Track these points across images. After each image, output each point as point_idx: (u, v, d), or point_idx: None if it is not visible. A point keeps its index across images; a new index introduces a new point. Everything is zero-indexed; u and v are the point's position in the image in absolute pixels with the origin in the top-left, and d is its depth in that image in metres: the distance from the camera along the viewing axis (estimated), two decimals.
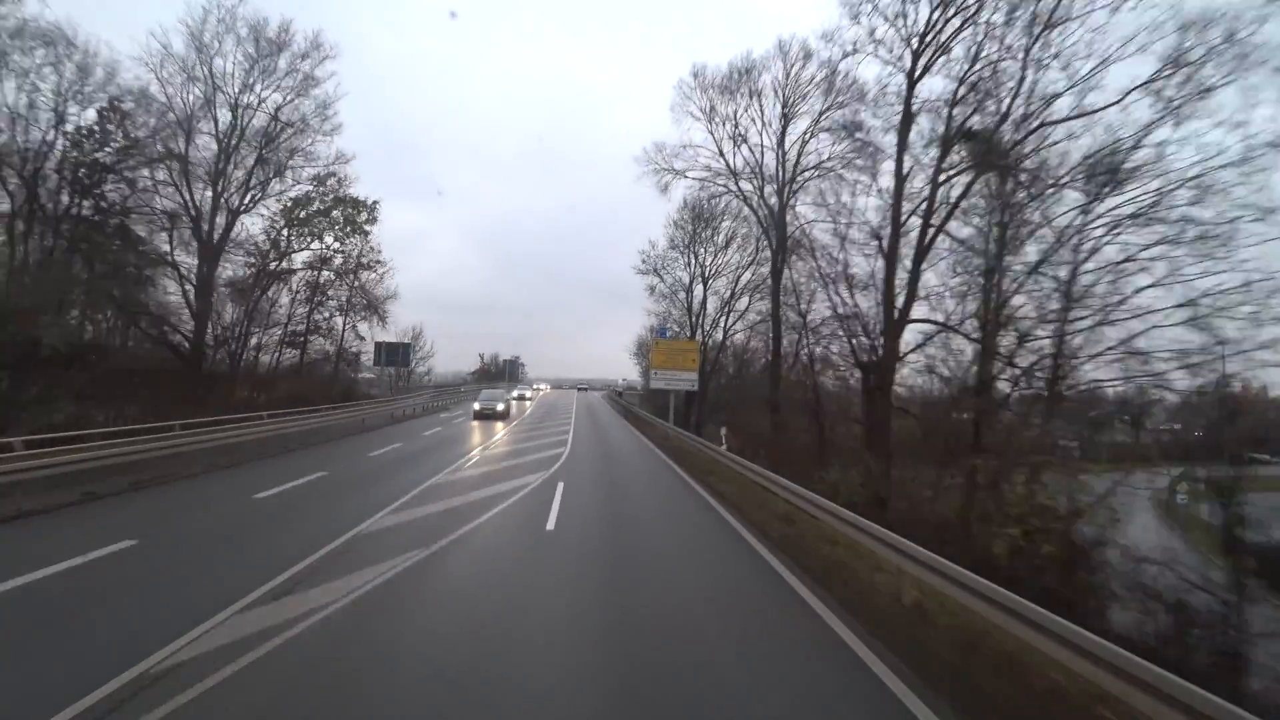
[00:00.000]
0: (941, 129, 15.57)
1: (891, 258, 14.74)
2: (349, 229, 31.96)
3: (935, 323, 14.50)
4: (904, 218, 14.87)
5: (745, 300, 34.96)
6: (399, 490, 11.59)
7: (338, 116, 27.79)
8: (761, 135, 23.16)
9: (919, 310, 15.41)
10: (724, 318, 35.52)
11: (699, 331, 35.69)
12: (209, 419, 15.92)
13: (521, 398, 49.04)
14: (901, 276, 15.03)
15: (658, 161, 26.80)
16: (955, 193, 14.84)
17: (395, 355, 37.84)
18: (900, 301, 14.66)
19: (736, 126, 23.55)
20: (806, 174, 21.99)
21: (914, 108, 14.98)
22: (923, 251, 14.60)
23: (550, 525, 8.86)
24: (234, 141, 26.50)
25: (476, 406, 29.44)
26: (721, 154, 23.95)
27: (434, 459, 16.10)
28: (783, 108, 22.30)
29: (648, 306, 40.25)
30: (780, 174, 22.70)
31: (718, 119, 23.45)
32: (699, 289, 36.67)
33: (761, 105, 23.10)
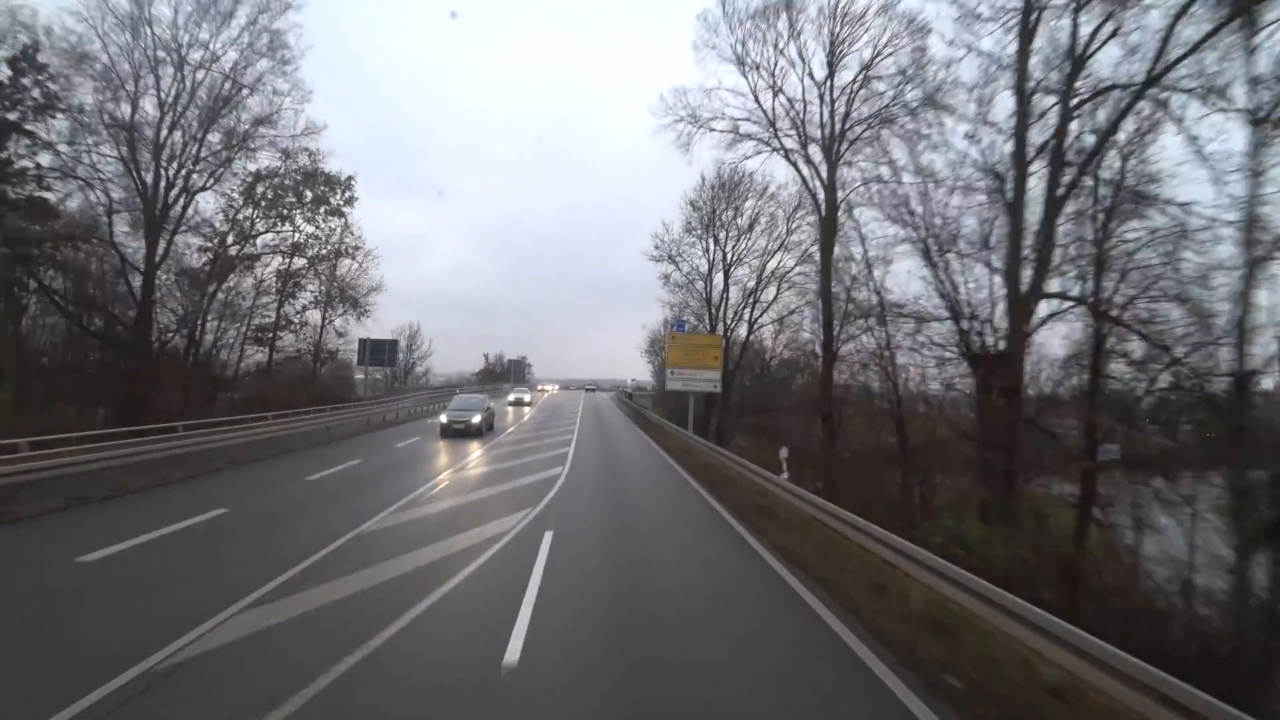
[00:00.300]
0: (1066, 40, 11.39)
1: (1017, 212, 10.57)
2: (322, 210, 28.14)
3: (1076, 299, 10.32)
4: (1030, 156, 10.72)
5: (772, 290, 30.85)
6: (301, 549, 7.57)
7: (299, 73, 23.89)
8: (803, 82, 19.04)
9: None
10: (748, 310, 31.37)
11: (720, 326, 31.56)
12: (82, 434, 12.08)
13: (519, 402, 40.87)
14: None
15: (679, 110, 22.41)
16: (1102, 117, 10.64)
17: (381, 353, 33.99)
18: (1027, 274, 10.50)
19: (773, 74, 19.40)
20: (862, 126, 17.83)
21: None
22: (1056, 204, 10.43)
23: (512, 655, 4.75)
24: (182, 103, 22.74)
25: (443, 420, 21.37)
26: (756, 99, 19.70)
27: (388, 486, 12.10)
28: (831, 43, 18.16)
29: (662, 296, 35.90)
30: (829, 125, 18.54)
31: (749, 62, 19.31)
32: (719, 278, 32.55)
33: (802, 46, 18.95)
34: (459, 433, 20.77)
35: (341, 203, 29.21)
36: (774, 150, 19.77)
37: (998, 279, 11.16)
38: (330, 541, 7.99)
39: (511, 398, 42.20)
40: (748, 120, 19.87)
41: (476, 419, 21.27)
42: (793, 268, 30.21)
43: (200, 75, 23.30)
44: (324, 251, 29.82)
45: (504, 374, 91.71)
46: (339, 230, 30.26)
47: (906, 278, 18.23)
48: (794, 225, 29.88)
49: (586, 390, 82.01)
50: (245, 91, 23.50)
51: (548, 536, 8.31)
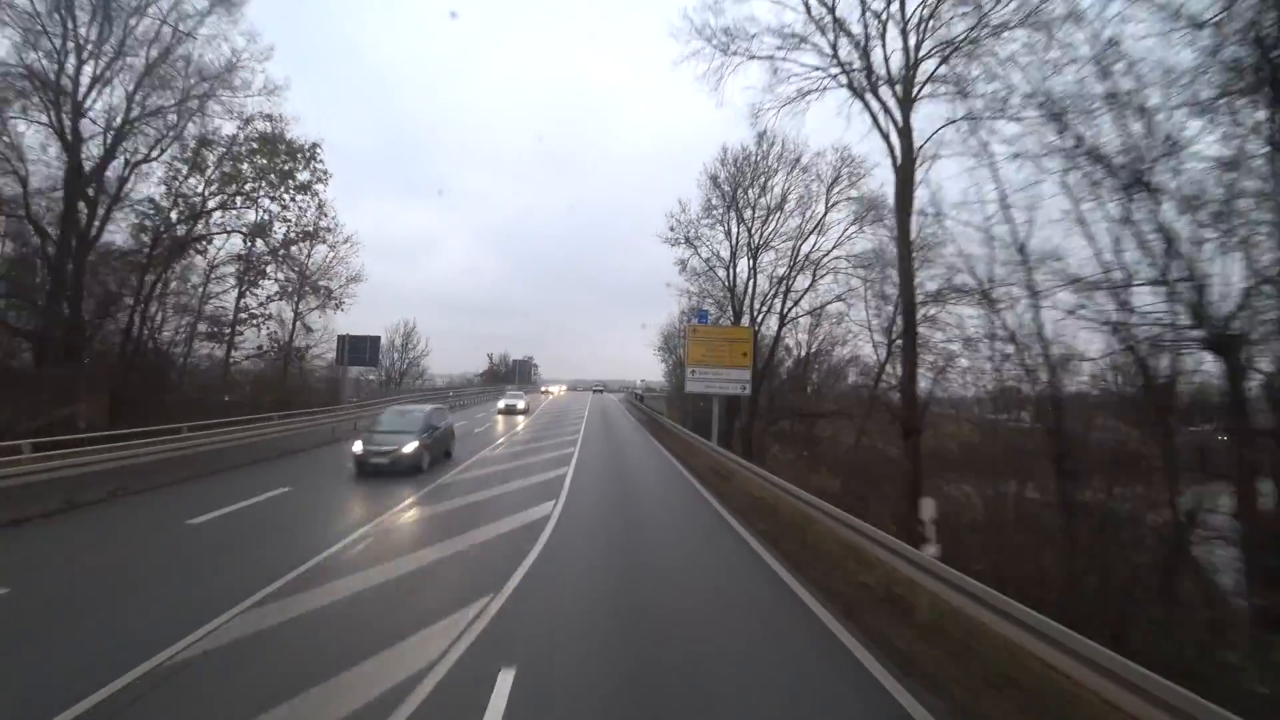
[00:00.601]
0: None
1: None
2: (288, 185, 24.26)
3: None
4: None
5: (805, 278, 26.68)
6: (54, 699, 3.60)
7: (248, 7, 20.05)
8: (865, 2, 14.80)
9: None
10: (779, 300, 27.15)
11: (746, 317, 27.37)
12: None
13: (512, 410, 32.45)
14: None
15: (707, 32, 17.33)
16: None
17: (362, 351, 30.18)
18: None
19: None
20: (950, 49, 13.60)
21: None
22: None
23: None
24: (108, 52, 18.99)
25: (356, 450, 13.48)
26: (808, 8, 15.06)
27: (284, 541, 8.12)
28: None
29: (678, 283, 31.33)
30: (903, 47, 14.23)
31: None
32: (743, 264, 28.36)
33: None
34: (380, 471, 12.79)
35: (312, 179, 25.35)
36: (834, 81, 14.92)
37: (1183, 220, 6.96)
38: (74, 700, 4.01)
39: (502, 404, 33.90)
40: (798, 39, 15.28)
41: (410, 448, 13.13)
42: (830, 250, 26.08)
43: (133, 22, 19.58)
44: (292, 234, 26.00)
45: (508, 374, 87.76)
46: (310, 210, 26.47)
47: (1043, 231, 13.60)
48: (834, 199, 25.75)
49: (594, 391, 78.31)
50: (187, 38, 19.72)
51: (502, 685, 4.26)
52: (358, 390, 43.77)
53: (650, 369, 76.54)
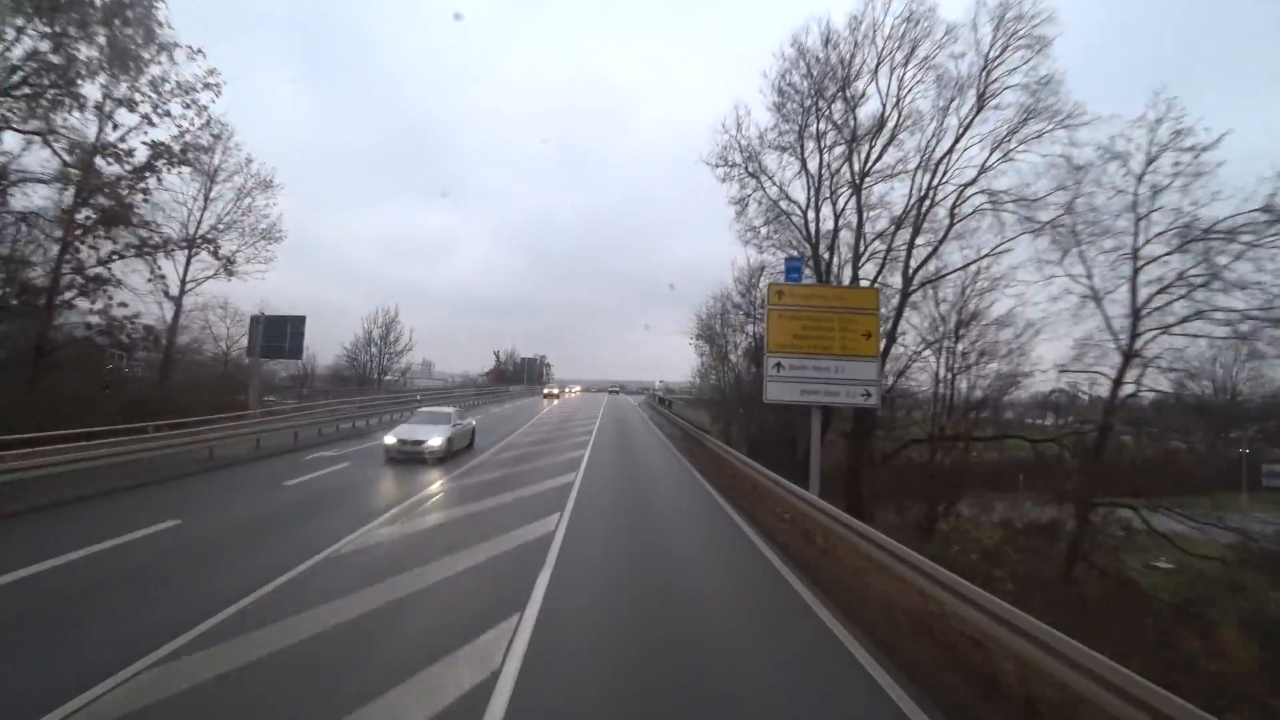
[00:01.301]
0: None
1: None
2: (123, 68, 15.35)
3: None
4: None
5: (935, 222, 17.11)
6: None
7: None
8: None
9: None
10: (899, 256, 17.59)
11: (837, 284, 17.78)
12: None
13: (408, 451, 14.52)
14: None
15: None
16: None
17: (280, 336, 21.36)
18: None
19: None
20: None
21: None
22: None
23: None
24: None
25: None
26: None
27: None
28: None
29: (737, 229, 20.89)
30: None
31: None
32: (828, 208, 18.83)
33: None
34: None
35: (199, 80, 16.40)
36: None
37: None
38: None
39: (390, 440, 15.04)
40: None
41: None
42: (973, 180, 16.50)
43: None
44: (155, 158, 17.13)
45: (516, 374, 78.94)
46: (192, 125, 17.63)
47: None
48: (991, 89, 16.18)
49: (610, 392, 70.16)
50: None
51: None
52: (342, 391, 35.20)
53: (671, 368, 67.45)
